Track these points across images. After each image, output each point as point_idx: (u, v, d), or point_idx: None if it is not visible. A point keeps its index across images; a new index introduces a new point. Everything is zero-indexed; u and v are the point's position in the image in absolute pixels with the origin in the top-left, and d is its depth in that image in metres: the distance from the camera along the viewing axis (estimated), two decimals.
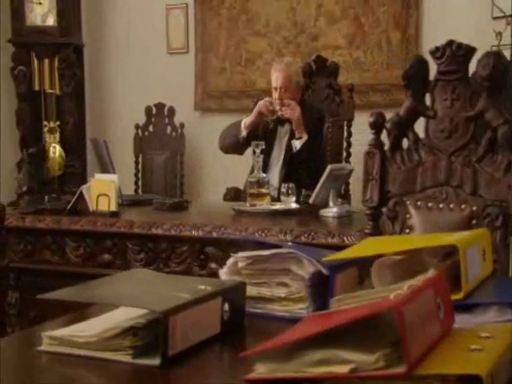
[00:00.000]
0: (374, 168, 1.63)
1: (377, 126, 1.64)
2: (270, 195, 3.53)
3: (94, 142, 3.36)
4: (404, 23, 4.23)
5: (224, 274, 1.33)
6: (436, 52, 1.71)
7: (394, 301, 0.88)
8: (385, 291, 1.08)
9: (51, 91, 5.06)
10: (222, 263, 2.57)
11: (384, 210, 1.62)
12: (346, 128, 3.78)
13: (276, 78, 3.46)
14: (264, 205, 2.85)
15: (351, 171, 2.79)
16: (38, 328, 1.28)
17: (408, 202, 1.54)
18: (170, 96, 4.82)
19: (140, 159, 4.83)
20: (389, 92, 4.26)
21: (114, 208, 2.85)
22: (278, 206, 2.83)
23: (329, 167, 2.67)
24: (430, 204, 1.52)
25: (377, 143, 1.67)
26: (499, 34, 3.76)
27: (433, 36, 4.21)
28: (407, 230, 1.54)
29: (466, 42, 4.23)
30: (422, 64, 1.66)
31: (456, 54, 1.69)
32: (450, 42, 1.74)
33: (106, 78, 5.16)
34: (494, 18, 4.06)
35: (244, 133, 3.46)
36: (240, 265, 1.29)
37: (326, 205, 2.78)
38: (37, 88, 4.94)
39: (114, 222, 2.78)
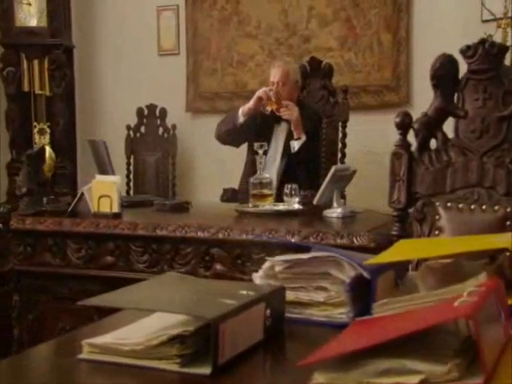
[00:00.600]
0: (401, 169, 1.60)
1: (403, 126, 1.60)
2: None
3: (93, 143, 3.29)
4: (395, 26, 4.21)
5: (259, 278, 1.28)
6: (467, 51, 1.67)
7: (464, 308, 0.84)
8: (433, 296, 1.05)
9: (41, 92, 4.99)
10: (227, 264, 2.55)
11: (411, 211, 1.58)
12: (340, 129, 3.75)
13: (274, 73, 3.45)
14: (267, 206, 2.81)
15: (354, 172, 2.77)
16: (72, 335, 1.23)
17: (437, 204, 1.51)
18: (162, 97, 4.76)
19: (131, 160, 4.76)
20: (380, 93, 4.24)
21: (116, 209, 2.79)
22: (281, 207, 2.79)
23: (333, 168, 2.64)
24: (460, 205, 1.49)
25: (403, 144, 1.63)
26: (490, 36, 3.75)
27: (423, 39, 4.22)
28: (436, 232, 1.50)
29: (455, 44, 4.24)
30: (451, 63, 1.62)
31: (489, 52, 1.65)
32: (483, 41, 1.71)
33: (96, 79, 5.09)
34: (484, 21, 4.06)
35: (241, 119, 3.41)
36: (277, 269, 1.25)
37: (329, 205, 2.75)
38: (26, 89, 4.85)
39: (117, 224, 2.72)
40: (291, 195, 2.77)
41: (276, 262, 1.25)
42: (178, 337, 1.02)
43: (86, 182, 4.87)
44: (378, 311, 1.13)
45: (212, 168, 4.67)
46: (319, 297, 1.21)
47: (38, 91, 4.92)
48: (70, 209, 2.85)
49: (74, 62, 4.97)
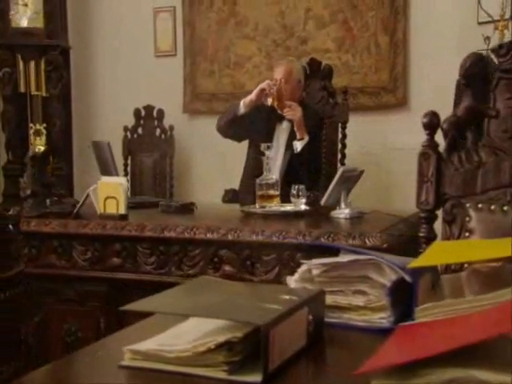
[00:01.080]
0: (430, 170, 1.57)
1: (431, 126, 1.57)
2: None
3: (96, 145, 3.24)
4: (392, 28, 4.19)
5: (294, 281, 1.25)
6: (500, 49, 1.64)
7: None
8: (481, 300, 1.02)
9: (37, 93, 4.92)
10: (236, 266, 2.51)
11: (440, 212, 1.55)
12: (340, 130, 3.73)
13: (277, 71, 3.42)
14: (273, 207, 2.78)
15: (362, 173, 2.74)
16: (108, 341, 1.19)
17: (468, 205, 1.48)
18: (159, 98, 4.71)
19: (129, 161, 4.71)
20: (378, 95, 4.22)
21: (122, 211, 2.74)
22: (288, 208, 2.76)
23: (341, 169, 2.62)
24: (492, 206, 1.46)
25: (431, 144, 1.60)
26: (487, 38, 3.75)
27: (420, 41, 4.21)
28: (467, 234, 1.48)
29: (452, 46, 4.24)
30: (481, 61, 1.58)
31: None
32: None
33: (93, 80, 5.03)
34: (480, 23, 4.05)
35: (243, 110, 3.36)
36: (314, 272, 1.21)
37: (334, 206, 2.72)
38: (22, 90, 4.77)
39: (124, 225, 2.67)
40: (298, 196, 2.74)
41: (313, 266, 1.22)
42: (225, 343, 0.98)
43: (82, 184, 4.84)
44: (421, 316, 1.09)
45: (210, 169, 4.63)
46: (358, 301, 1.18)
47: (34, 92, 4.85)
48: (75, 210, 2.79)
49: (70, 63, 4.90)
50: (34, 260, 2.81)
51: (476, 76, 1.50)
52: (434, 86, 4.18)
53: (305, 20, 4.38)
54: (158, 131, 4.71)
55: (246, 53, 4.54)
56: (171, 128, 4.66)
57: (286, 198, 3.42)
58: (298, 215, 2.75)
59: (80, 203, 2.80)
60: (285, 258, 2.43)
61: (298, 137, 3.31)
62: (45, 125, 4.81)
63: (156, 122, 4.70)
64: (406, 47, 4.19)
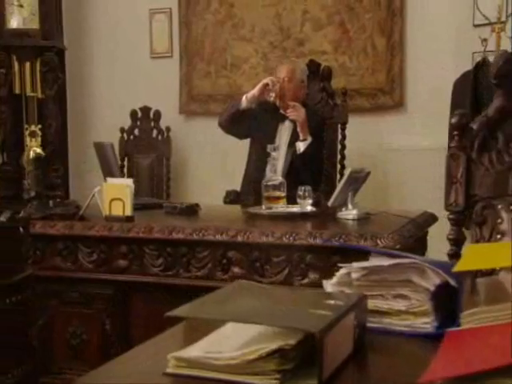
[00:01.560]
0: (459, 171, 1.54)
1: (460, 126, 1.54)
2: None
3: (98, 146, 3.18)
4: (389, 30, 4.18)
5: (331, 285, 1.21)
6: None
7: None
8: None
9: (32, 94, 4.85)
10: (245, 267, 2.47)
11: (468, 214, 1.53)
12: (340, 131, 3.71)
13: (280, 70, 3.39)
14: (280, 208, 2.74)
15: (369, 173, 2.71)
16: (146, 347, 1.15)
17: (499, 207, 1.46)
18: (155, 99, 4.66)
19: (125, 163, 4.65)
20: (374, 96, 4.20)
21: (129, 213, 2.69)
22: (295, 209, 2.73)
23: (349, 170, 2.58)
24: None
25: (460, 145, 1.57)
26: (485, 40, 3.74)
27: (416, 42, 4.19)
28: (498, 236, 1.45)
29: (447, 48, 4.22)
30: None
31: None
32: None
33: (88, 81, 4.96)
34: (475, 26, 4.05)
35: (244, 104, 3.31)
36: (354, 276, 1.18)
37: (340, 207, 2.69)
38: (18, 91, 4.70)
39: (130, 227, 2.62)
40: (304, 197, 2.70)
41: (353, 269, 1.18)
42: (278, 351, 0.94)
43: (78, 185, 4.78)
44: (467, 321, 1.07)
45: (207, 170, 4.59)
46: (400, 305, 1.15)
47: (29, 93, 4.78)
48: (81, 212, 2.74)
49: (65, 65, 4.83)
50: (38, 262, 2.74)
51: (508, 75, 1.46)
52: (430, 87, 4.18)
53: (302, 22, 4.36)
54: (154, 132, 4.65)
55: (243, 54, 4.50)
56: (168, 129, 4.61)
57: (287, 199, 3.40)
58: (304, 216, 2.72)
59: (85, 205, 2.75)
60: (295, 260, 2.39)
61: (301, 137, 3.28)
62: (40, 126, 4.78)
63: (153, 123, 4.64)
64: (402, 49, 4.18)
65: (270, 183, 2.76)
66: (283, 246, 2.39)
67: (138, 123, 4.67)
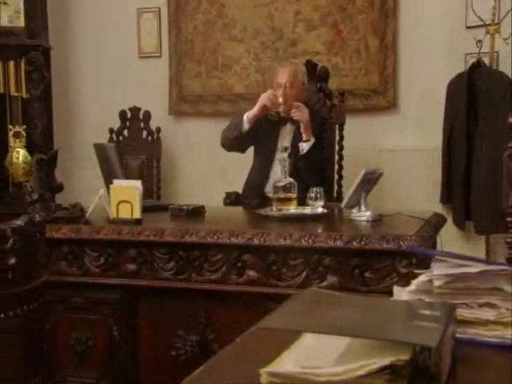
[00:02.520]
0: None
1: None
2: None
3: (99, 147, 3.06)
4: (382, 31, 4.14)
5: (408, 292, 1.14)
6: None
7: None
8: None
9: (16, 94, 4.69)
10: (261, 271, 2.39)
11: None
12: (338, 131, 3.65)
13: (281, 74, 3.31)
14: (292, 209, 2.67)
15: (381, 174, 2.65)
16: (225, 359, 1.06)
17: None
18: (144, 100, 4.55)
19: None
20: (368, 97, 4.16)
21: (138, 215, 2.59)
22: (307, 211, 2.66)
23: (363, 171, 2.52)
24: None
25: None
26: (479, 41, 3.73)
27: (409, 44, 4.16)
28: None
29: (440, 49, 4.19)
30: None
31: None
32: None
33: (74, 81, 4.82)
34: (469, 27, 4.03)
35: (246, 126, 3.25)
36: (436, 283, 1.11)
37: (353, 208, 2.63)
38: (1, 91, 4.54)
39: (141, 230, 2.52)
40: (316, 199, 2.64)
41: (435, 276, 1.11)
42: (388, 367, 0.87)
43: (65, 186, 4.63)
44: None
45: (197, 171, 4.50)
46: (488, 315, 1.08)
47: (13, 93, 4.63)
48: (87, 215, 2.63)
49: (50, 64, 4.68)
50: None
51: None
52: (423, 88, 4.15)
53: (294, 22, 4.29)
54: (144, 133, 4.53)
55: (235, 54, 4.42)
56: (158, 130, 4.50)
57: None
58: (316, 218, 2.65)
59: (91, 208, 2.64)
60: (313, 263, 2.32)
61: (305, 138, 3.22)
62: (25, 126, 4.62)
63: (142, 124, 4.53)
64: (395, 50, 4.14)
65: (280, 184, 2.69)
66: (301, 248, 2.32)
67: (128, 124, 4.54)
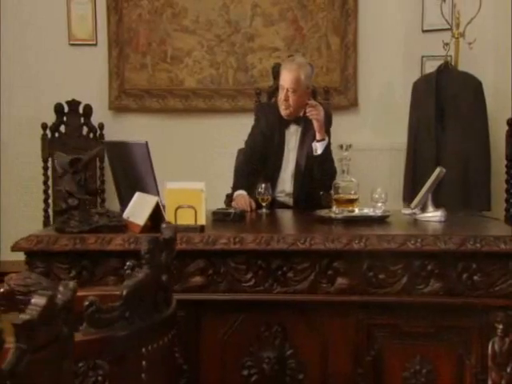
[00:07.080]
0: None
1: None
2: (284, 202, 3.18)
3: (110, 145, 2.67)
4: (343, 30, 4.11)
5: None
6: None
7: None
8: None
9: None
10: (354, 278, 2.23)
11: None
12: None
13: (285, 78, 3.11)
14: (355, 211, 2.53)
15: (444, 173, 2.60)
16: None
17: None
18: (82, 93, 4.10)
19: (49, 164, 4.01)
20: (330, 95, 4.10)
21: (202, 222, 2.30)
22: (372, 213, 2.53)
23: (438, 169, 2.46)
24: None
25: None
26: (446, 44, 3.83)
27: (368, 44, 4.18)
28: None
29: (397, 51, 4.26)
30: None
31: None
32: None
33: None
34: (424, 31, 4.15)
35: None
36: None
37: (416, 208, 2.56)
38: None
39: (215, 238, 2.24)
40: (379, 200, 2.53)
41: None
42: None
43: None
44: None
45: None
46: None
47: None
48: (143, 223, 2.27)
49: None
50: (85, 284, 2.23)
51: None
52: (381, 88, 4.19)
53: (251, 16, 4.12)
54: (85, 130, 4.08)
55: (186, 46, 4.13)
56: (101, 126, 4.08)
57: (296, 203, 3.17)
58: (379, 220, 2.54)
59: (147, 215, 2.28)
60: (414, 268, 2.22)
61: (319, 137, 3.08)
62: None
63: (83, 120, 4.07)
64: (356, 49, 4.13)
65: (341, 184, 2.54)
66: (404, 252, 2.21)
67: (65, 119, 4.06)
